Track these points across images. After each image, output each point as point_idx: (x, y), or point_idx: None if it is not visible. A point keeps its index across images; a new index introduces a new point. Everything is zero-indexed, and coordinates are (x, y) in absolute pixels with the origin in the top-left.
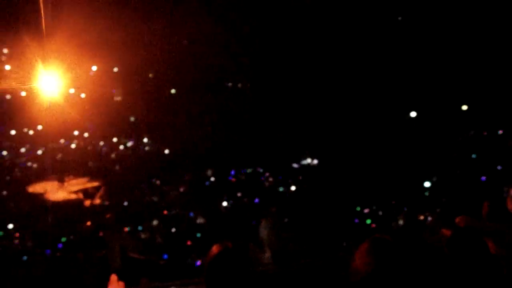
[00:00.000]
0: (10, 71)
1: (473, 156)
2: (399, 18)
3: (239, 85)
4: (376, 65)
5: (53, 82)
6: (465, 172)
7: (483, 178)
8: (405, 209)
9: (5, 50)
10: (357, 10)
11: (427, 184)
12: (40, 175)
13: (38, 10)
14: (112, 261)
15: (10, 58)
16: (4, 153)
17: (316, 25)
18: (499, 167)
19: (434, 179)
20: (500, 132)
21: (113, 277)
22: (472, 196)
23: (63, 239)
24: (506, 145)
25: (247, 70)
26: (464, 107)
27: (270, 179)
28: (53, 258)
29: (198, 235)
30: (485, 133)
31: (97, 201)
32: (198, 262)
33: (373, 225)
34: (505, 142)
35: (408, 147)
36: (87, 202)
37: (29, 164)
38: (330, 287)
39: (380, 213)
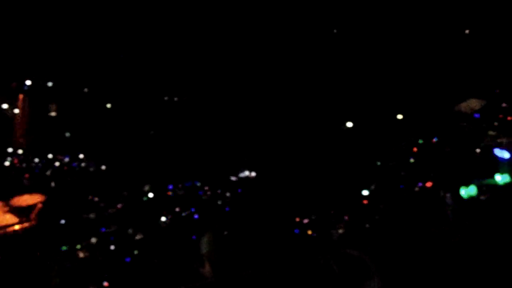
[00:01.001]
0: None
1: (411, 161)
2: (335, 31)
3: (175, 99)
4: (312, 73)
5: None
6: (403, 179)
7: (420, 184)
8: (345, 218)
9: None
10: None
11: (365, 192)
12: None
13: None
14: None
15: None
16: None
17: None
18: (432, 174)
19: (372, 187)
20: (434, 140)
21: None
22: (410, 202)
23: None
24: (443, 151)
25: (183, 84)
26: (399, 116)
27: (208, 192)
28: None
29: (136, 252)
30: (421, 141)
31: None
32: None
33: (313, 235)
34: (442, 149)
35: (345, 156)
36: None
37: None
38: None
39: (320, 222)
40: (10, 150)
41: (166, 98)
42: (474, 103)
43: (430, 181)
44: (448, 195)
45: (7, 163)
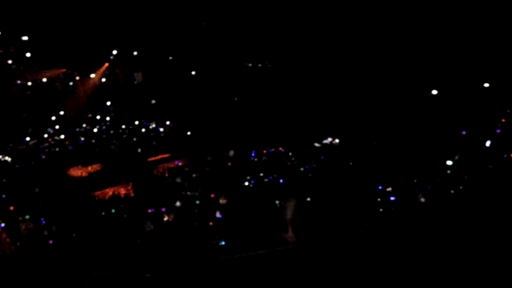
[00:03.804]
0: (31, 57)
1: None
2: None
3: (260, 65)
4: (396, 42)
5: (74, 68)
6: (488, 149)
7: (505, 155)
8: (429, 187)
9: (25, 37)
10: None
11: (449, 162)
12: (63, 159)
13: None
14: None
15: (31, 44)
16: (28, 138)
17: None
18: None
19: (457, 157)
20: None
21: None
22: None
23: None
24: None
25: (268, 50)
26: (486, 85)
27: (292, 159)
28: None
29: (220, 216)
30: (509, 111)
31: None
32: (223, 242)
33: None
34: None
35: (430, 124)
36: None
37: (52, 148)
38: (352, 263)
39: (402, 191)
40: (98, 117)
41: (250, 64)
42: None
43: None
44: None
45: (95, 130)
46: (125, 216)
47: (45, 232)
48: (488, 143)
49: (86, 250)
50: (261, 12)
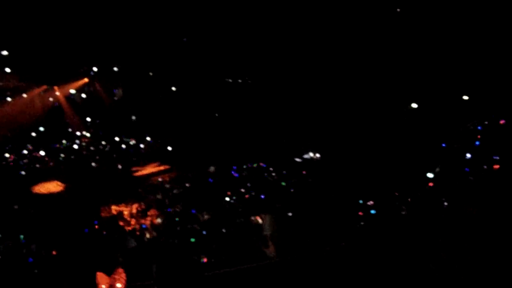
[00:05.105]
0: (11, 73)
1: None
2: (398, 10)
3: (240, 80)
4: (375, 57)
5: (54, 83)
6: (467, 163)
7: (485, 166)
8: (409, 200)
9: (5, 52)
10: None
11: (430, 175)
12: (43, 176)
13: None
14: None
15: (11, 60)
16: (7, 155)
17: (313, 20)
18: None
19: (437, 169)
20: (502, 122)
21: (119, 270)
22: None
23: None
24: (509, 135)
25: (248, 65)
26: (465, 97)
27: (273, 174)
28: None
29: (204, 232)
30: (487, 123)
31: None
32: (204, 260)
33: (375, 214)
34: (508, 132)
35: (410, 138)
36: None
37: (32, 165)
38: (333, 277)
39: (384, 205)
40: (78, 133)
41: (230, 80)
42: None
43: (497, 164)
44: None
45: (75, 146)
46: (105, 233)
47: (24, 250)
48: (468, 155)
49: (67, 268)
50: (240, 28)
